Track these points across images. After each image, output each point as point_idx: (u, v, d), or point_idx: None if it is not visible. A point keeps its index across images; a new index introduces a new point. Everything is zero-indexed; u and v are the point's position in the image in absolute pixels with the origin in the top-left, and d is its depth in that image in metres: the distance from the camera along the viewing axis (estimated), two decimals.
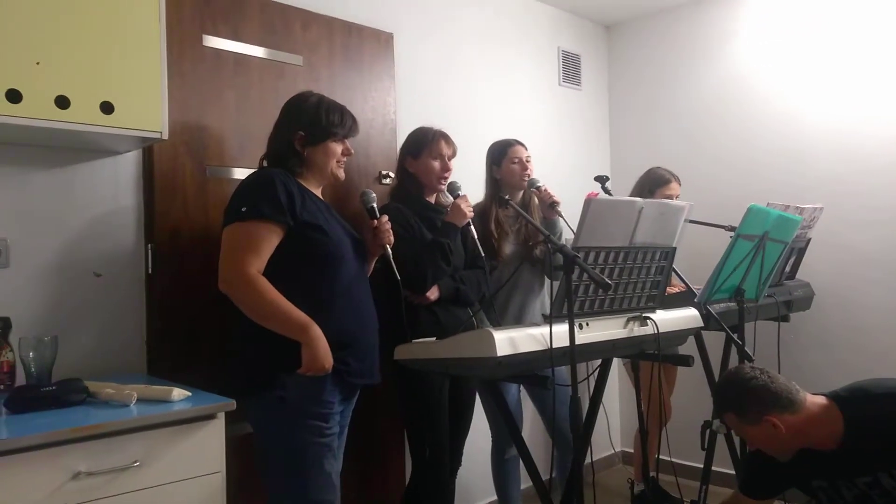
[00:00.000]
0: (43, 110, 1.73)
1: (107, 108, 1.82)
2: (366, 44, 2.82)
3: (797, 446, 1.90)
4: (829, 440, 1.86)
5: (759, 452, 2.02)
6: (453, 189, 2.43)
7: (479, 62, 3.39)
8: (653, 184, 3.17)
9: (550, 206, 2.64)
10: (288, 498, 1.88)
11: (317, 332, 1.81)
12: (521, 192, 2.77)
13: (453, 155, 2.49)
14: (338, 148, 2.02)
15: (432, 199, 2.52)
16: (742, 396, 1.92)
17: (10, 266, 1.98)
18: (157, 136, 1.94)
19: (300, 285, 1.86)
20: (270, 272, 1.83)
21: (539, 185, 2.67)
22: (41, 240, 2.04)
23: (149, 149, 2.20)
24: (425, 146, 2.44)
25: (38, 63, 1.72)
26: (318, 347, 1.80)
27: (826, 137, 3.36)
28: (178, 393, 1.73)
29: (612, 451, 3.94)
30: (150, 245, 2.22)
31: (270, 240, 1.83)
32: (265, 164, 2.04)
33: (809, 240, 3.14)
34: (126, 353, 2.17)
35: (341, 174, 2.06)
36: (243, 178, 2.04)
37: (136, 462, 1.58)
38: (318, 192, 2.05)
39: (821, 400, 1.91)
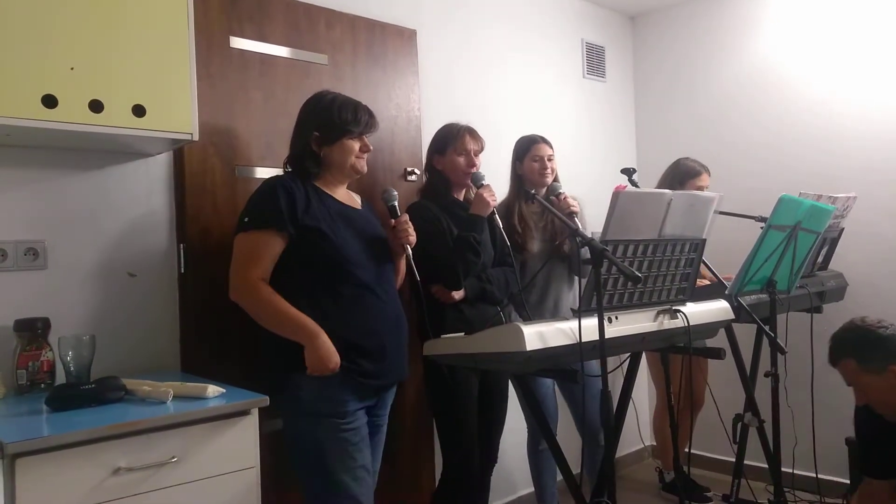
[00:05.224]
0: (78, 114, 1.77)
1: (139, 111, 1.86)
2: (389, 41, 2.83)
3: None
4: None
5: (867, 433, 1.94)
6: (476, 179, 2.42)
7: (503, 56, 3.38)
8: (683, 175, 3.14)
9: (568, 216, 2.59)
10: (316, 493, 1.91)
11: (316, 332, 1.83)
12: (545, 189, 2.75)
13: (480, 150, 2.48)
14: (354, 145, 2.02)
15: (461, 196, 2.52)
16: (868, 343, 1.87)
17: (48, 267, 2.02)
18: (188, 137, 1.98)
19: (305, 289, 1.90)
20: (278, 278, 1.88)
21: (560, 192, 2.62)
22: (77, 241, 2.08)
23: (179, 150, 2.23)
24: (450, 142, 2.44)
25: (72, 68, 1.76)
26: (319, 347, 1.83)
27: (858, 124, 3.29)
28: (213, 390, 1.76)
29: (642, 446, 3.92)
30: (181, 245, 2.26)
31: (271, 248, 1.87)
32: (288, 168, 2.06)
33: (842, 229, 3.08)
34: (160, 351, 2.22)
35: (362, 167, 2.05)
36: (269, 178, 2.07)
37: (173, 458, 1.61)
38: (341, 190, 2.07)
39: None
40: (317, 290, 1.91)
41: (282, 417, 1.94)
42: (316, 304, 1.88)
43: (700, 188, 3.08)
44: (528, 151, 2.76)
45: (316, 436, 1.87)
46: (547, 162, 2.74)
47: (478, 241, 2.31)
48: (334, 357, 1.84)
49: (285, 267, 1.89)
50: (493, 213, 2.38)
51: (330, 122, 1.99)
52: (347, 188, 2.12)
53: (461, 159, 2.44)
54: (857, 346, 1.90)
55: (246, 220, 1.89)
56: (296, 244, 1.89)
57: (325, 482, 1.88)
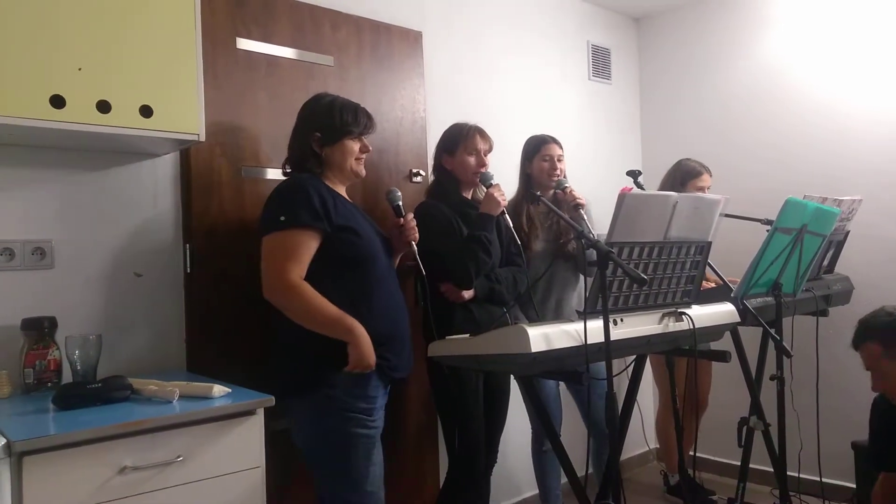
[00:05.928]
0: (85, 115, 1.78)
1: (146, 111, 1.87)
2: (394, 43, 2.84)
3: None
4: None
5: (882, 425, 1.94)
6: (486, 179, 2.43)
7: (508, 58, 3.38)
8: (684, 176, 3.13)
9: (574, 207, 2.61)
10: (338, 492, 1.92)
11: (361, 330, 1.86)
12: (552, 190, 2.76)
13: (489, 150, 2.49)
14: (355, 146, 2.04)
15: (469, 195, 2.52)
16: (894, 329, 1.87)
17: (55, 267, 2.03)
18: (195, 138, 1.98)
19: (339, 287, 1.90)
20: (310, 275, 1.88)
21: (565, 185, 2.65)
22: (84, 241, 2.09)
23: (186, 150, 2.24)
24: (460, 142, 2.45)
25: (79, 69, 1.77)
26: (364, 345, 1.85)
27: (864, 127, 3.28)
28: (219, 389, 1.77)
29: (647, 448, 3.91)
30: (188, 245, 2.26)
31: (309, 246, 1.87)
32: (288, 169, 2.07)
33: (848, 232, 3.07)
34: (166, 351, 2.22)
35: (362, 171, 2.09)
36: (278, 178, 2.07)
37: (179, 457, 1.61)
38: (343, 191, 2.08)
39: None
40: (349, 286, 1.92)
41: (302, 416, 1.94)
42: (346, 300, 1.89)
43: (701, 188, 3.08)
44: (538, 151, 2.77)
45: (345, 433, 1.89)
46: (556, 162, 2.74)
47: (489, 241, 2.31)
48: (373, 354, 1.87)
49: (315, 264, 1.89)
50: (502, 212, 2.39)
51: (331, 122, 2.01)
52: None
53: (471, 159, 2.44)
54: (884, 331, 1.92)
55: (282, 218, 1.87)
56: (328, 242, 1.90)
57: (349, 478, 1.90)
